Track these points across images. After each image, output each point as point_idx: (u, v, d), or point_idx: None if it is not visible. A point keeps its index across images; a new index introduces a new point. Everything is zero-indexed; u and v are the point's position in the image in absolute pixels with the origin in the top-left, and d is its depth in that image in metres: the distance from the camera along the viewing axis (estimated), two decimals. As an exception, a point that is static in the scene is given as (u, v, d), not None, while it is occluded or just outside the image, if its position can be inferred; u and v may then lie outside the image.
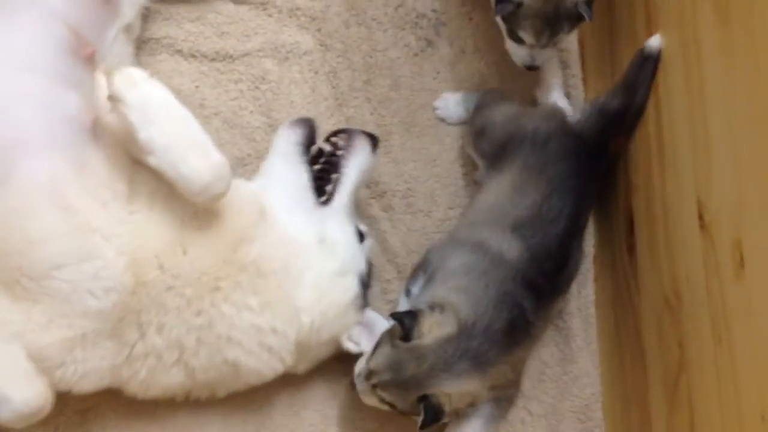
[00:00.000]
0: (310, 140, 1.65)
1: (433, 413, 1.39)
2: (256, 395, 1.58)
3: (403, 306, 1.55)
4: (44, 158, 1.34)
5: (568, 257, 1.54)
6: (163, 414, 1.59)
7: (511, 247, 1.50)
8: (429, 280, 1.54)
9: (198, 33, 1.80)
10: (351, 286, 1.55)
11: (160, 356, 1.43)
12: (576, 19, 1.55)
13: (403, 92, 1.81)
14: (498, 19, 1.59)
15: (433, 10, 1.84)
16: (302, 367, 1.57)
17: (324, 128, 1.78)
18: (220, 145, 1.44)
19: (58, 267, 1.32)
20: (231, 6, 1.82)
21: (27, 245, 1.32)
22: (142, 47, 1.76)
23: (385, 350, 1.44)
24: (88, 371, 1.41)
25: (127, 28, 1.64)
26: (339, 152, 1.63)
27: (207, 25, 1.81)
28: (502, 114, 1.65)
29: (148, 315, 1.40)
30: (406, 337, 1.41)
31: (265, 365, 1.49)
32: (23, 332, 1.34)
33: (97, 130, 1.42)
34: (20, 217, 1.32)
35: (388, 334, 1.45)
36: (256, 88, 1.79)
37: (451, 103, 1.79)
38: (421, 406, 1.40)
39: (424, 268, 1.57)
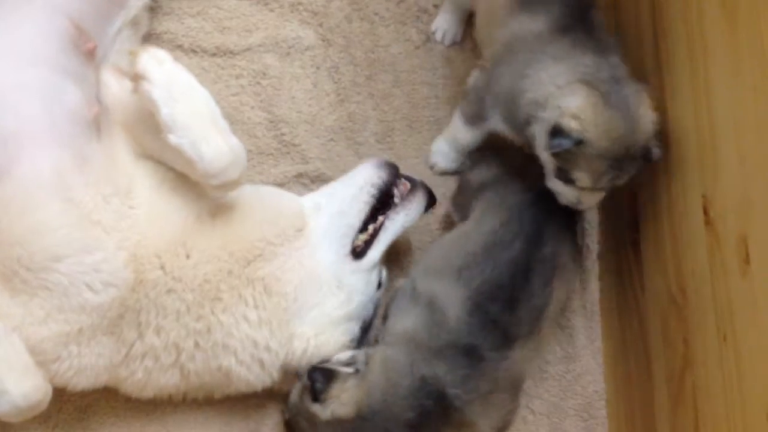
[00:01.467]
0: (387, 188, 1.58)
1: None
2: (258, 392, 1.57)
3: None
4: (46, 150, 1.34)
5: (526, 292, 1.42)
6: (163, 411, 1.58)
7: (455, 299, 1.41)
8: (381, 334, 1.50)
9: (199, 28, 1.79)
10: (352, 330, 1.53)
11: (158, 357, 1.43)
12: (639, 162, 1.37)
13: (404, 88, 1.81)
14: (545, 154, 1.39)
15: (435, 5, 1.83)
16: (286, 387, 1.55)
17: (326, 124, 1.78)
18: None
19: (58, 259, 1.32)
20: (232, 1, 1.81)
21: (27, 236, 1.31)
22: (143, 43, 1.75)
23: (294, 397, 1.45)
24: (84, 367, 1.40)
25: (134, 23, 1.63)
26: (395, 199, 1.58)
27: (208, 20, 1.80)
28: (479, 170, 1.60)
29: (147, 316, 1.40)
30: (315, 397, 1.40)
31: (255, 377, 1.48)
32: (21, 325, 1.33)
33: (98, 125, 1.41)
34: (21, 208, 1.31)
35: (301, 386, 1.44)
36: (258, 83, 1.79)
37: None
38: None
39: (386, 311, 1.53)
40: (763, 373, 1.14)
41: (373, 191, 1.56)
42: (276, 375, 1.49)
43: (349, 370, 1.43)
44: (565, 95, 1.36)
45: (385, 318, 1.54)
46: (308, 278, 1.48)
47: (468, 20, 1.78)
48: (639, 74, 1.56)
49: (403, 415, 1.37)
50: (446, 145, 1.69)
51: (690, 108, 1.36)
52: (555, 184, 1.41)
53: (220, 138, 1.37)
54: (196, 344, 1.43)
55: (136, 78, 1.35)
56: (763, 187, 1.14)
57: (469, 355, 1.39)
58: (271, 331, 1.45)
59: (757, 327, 1.16)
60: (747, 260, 1.17)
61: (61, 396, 1.43)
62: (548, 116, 1.36)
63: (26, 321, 1.34)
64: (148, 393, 1.48)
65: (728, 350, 1.23)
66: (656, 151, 1.37)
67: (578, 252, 1.54)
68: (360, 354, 1.46)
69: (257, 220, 1.47)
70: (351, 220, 1.54)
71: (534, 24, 1.43)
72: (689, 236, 1.36)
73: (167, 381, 1.46)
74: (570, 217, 1.51)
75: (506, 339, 1.41)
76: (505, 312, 1.41)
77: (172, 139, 1.34)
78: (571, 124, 1.33)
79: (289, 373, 1.50)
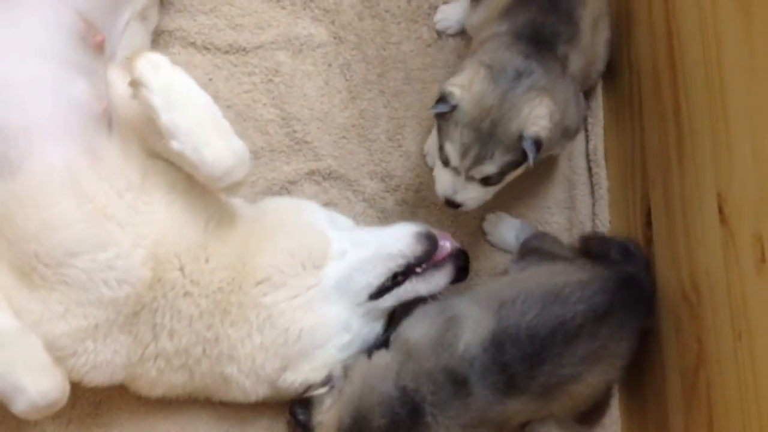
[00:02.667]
0: (418, 264, 1.50)
1: None
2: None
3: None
4: (57, 145, 1.34)
5: (557, 356, 1.37)
6: (176, 408, 1.59)
7: (478, 327, 1.39)
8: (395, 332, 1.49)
9: (211, 25, 1.80)
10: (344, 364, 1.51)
11: (169, 360, 1.44)
12: (511, 154, 1.38)
13: (415, 86, 1.81)
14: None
15: (445, 2, 1.83)
16: (270, 399, 1.54)
17: (338, 121, 1.77)
18: (235, 136, 1.44)
19: (74, 254, 1.32)
20: (245, -2, 1.82)
21: (42, 232, 1.31)
22: (156, 40, 1.76)
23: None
24: (100, 363, 1.41)
25: (143, 17, 1.63)
26: (418, 269, 1.50)
27: (220, 17, 1.80)
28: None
29: (162, 318, 1.41)
30: (305, 429, 1.43)
31: (251, 388, 1.49)
32: (40, 321, 1.34)
33: (108, 120, 1.41)
34: (35, 204, 1.32)
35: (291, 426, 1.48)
36: (270, 80, 1.79)
37: (503, 227, 1.70)
38: None
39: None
40: (779, 371, 1.14)
41: (402, 262, 1.49)
42: (268, 390, 1.49)
43: (323, 390, 1.44)
44: (465, 69, 1.43)
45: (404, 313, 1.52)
46: (315, 325, 1.45)
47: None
48: (652, 71, 1.56)
49: (376, 422, 1.37)
50: (436, 142, 1.70)
51: (704, 104, 1.35)
52: (437, 169, 1.46)
53: (222, 141, 1.37)
54: (204, 351, 1.44)
55: (134, 84, 1.34)
56: (778, 185, 1.13)
57: (458, 385, 1.36)
58: (266, 357, 1.45)
59: (773, 325, 1.15)
60: (763, 258, 1.16)
61: (75, 392, 1.43)
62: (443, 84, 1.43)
63: (45, 316, 1.34)
64: (158, 392, 1.50)
65: (743, 349, 1.22)
66: (530, 148, 1.35)
67: (631, 354, 1.47)
68: (336, 369, 1.46)
69: (278, 245, 1.46)
70: (370, 280, 1.48)
71: (500, 26, 1.50)
72: (703, 234, 1.35)
73: (176, 381, 1.47)
74: (642, 320, 1.47)
75: (510, 387, 1.36)
76: (524, 362, 1.36)
77: (174, 144, 1.34)
78: (453, 90, 1.39)
79: (277, 393, 1.50)
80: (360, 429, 1.38)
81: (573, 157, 1.79)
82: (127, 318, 1.39)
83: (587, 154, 1.79)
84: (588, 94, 1.76)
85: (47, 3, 1.41)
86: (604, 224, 1.74)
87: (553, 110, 1.41)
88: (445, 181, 1.45)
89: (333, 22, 1.82)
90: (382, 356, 1.44)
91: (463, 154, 1.40)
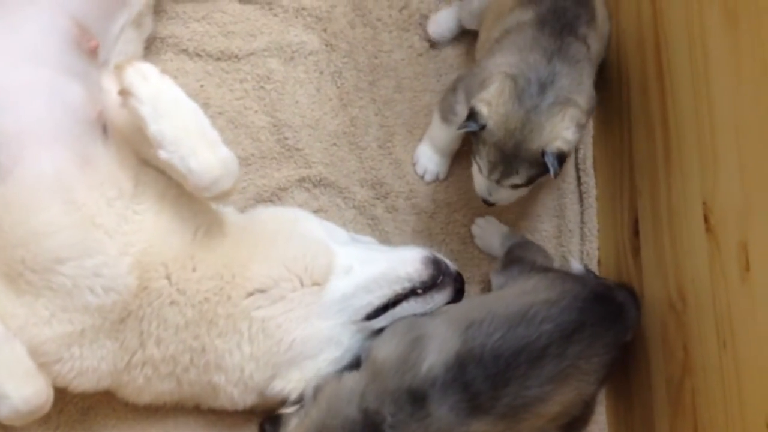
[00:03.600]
0: (425, 285, 1.50)
1: None
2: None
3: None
4: (49, 150, 1.34)
5: (522, 377, 1.34)
6: (164, 414, 1.58)
7: (442, 348, 1.37)
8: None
9: (203, 32, 1.80)
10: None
11: (156, 367, 1.44)
12: (537, 168, 1.42)
13: (406, 94, 1.81)
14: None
15: (437, 10, 1.84)
16: (256, 408, 1.54)
17: (329, 128, 1.78)
18: (224, 144, 1.43)
19: (60, 261, 1.32)
20: (237, 5, 1.82)
21: (30, 237, 1.31)
22: (148, 46, 1.76)
23: None
24: (85, 369, 1.41)
25: (137, 24, 1.63)
26: (420, 290, 1.49)
27: (212, 24, 1.81)
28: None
29: (149, 326, 1.40)
30: None
31: (239, 397, 1.48)
32: (26, 326, 1.34)
33: (103, 126, 1.41)
34: (24, 209, 1.31)
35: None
36: (261, 87, 1.79)
37: (491, 232, 1.72)
38: None
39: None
40: (763, 380, 1.14)
41: (408, 286, 1.49)
42: (255, 398, 1.49)
43: (292, 409, 1.43)
44: (490, 82, 1.43)
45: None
46: (310, 337, 1.45)
47: (467, 32, 1.79)
48: (641, 81, 1.58)
49: None
50: (428, 148, 1.73)
51: (691, 114, 1.36)
52: (474, 170, 1.51)
53: (210, 151, 1.37)
54: (191, 360, 1.44)
55: (123, 93, 1.35)
56: (763, 195, 1.14)
57: (417, 405, 1.34)
58: (257, 366, 1.45)
59: (757, 334, 1.16)
60: (747, 267, 1.17)
61: (62, 397, 1.43)
62: (472, 99, 1.44)
63: (30, 321, 1.34)
64: (145, 399, 1.49)
65: (728, 357, 1.23)
66: (552, 163, 1.37)
67: (607, 368, 1.44)
68: (309, 389, 1.44)
69: (272, 256, 1.45)
70: (373, 300, 1.48)
71: (524, 15, 1.49)
72: (689, 243, 1.36)
73: (164, 388, 1.47)
74: (617, 336, 1.45)
75: (474, 407, 1.34)
76: (486, 383, 1.34)
77: (162, 154, 1.34)
78: (482, 109, 1.40)
79: (264, 401, 1.50)
80: None
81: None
82: (113, 324, 1.39)
83: (576, 163, 1.80)
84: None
85: (42, 8, 1.41)
86: (593, 232, 1.75)
87: (578, 117, 1.42)
88: (480, 184, 1.52)
89: (325, 30, 1.83)
90: (350, 377, 1.41)
91: (491, 171, 1.45)
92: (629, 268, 1.60)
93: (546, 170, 1.40)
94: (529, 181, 1.46)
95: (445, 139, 1.67)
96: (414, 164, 1.76)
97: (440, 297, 1.51)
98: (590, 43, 1.51)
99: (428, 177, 1.75)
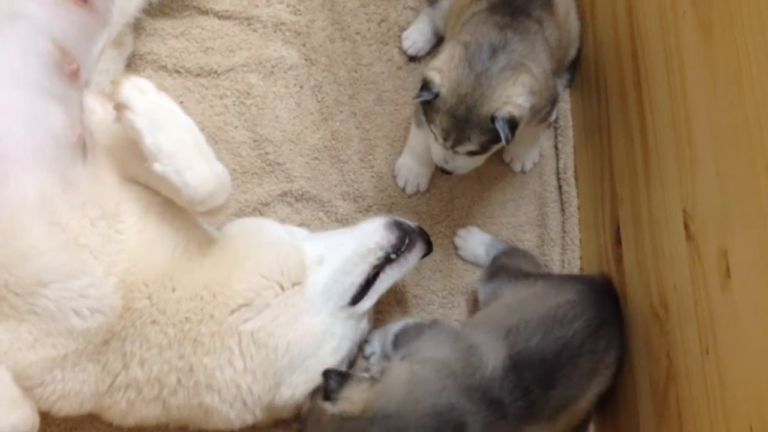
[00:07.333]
0: (394, 251, 1.55)
1: None
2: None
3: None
4: (30, 173, 1.32)
5: (566, 377, 1.39)
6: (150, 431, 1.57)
7: (495, 353, 1.39)
8: (406, 351, 1.48)
9: (182, 48, 1.80)
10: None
11: (140, 390, 1.42)
12: (489, 134, 1.42)
13: (386, 107, 1.82)
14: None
15: (408, 28, 1.84)
16: (267, 422, 1.53)
17: (310, 142, 1.78)
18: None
19: (44, 284, 1.31)
20: (215, 21, 1.82)
21: (14, 261, 1.30)
22: (127, 64, 1.75)
23: (309, 399, 1.45)
24: (68, 393, 1.39)
25: (118, 44, 1.63)
26: (393, 256, 1.54)
27: (191, 40, 1.81)
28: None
29: (132, 346, 1.39)
30: (326, 395, 1.38)
31: (236, 416, 1.47)
32: (9, 351, 1.32)
33: (83, 148, 1.41)
34: (7, 233, 1.30)
35: (316, 387, 1.44)
36: (241, 103, 1.79)
37: (474, 242, 1.73)
38: None
39: (406, 340, 1.52)
40: (746, 385, 1.15)
41: (381, 254, 1.53)
42: (260, 415, 1.48)
43: (365, 375, 1.43)
44: (441, 51, 1.46)
45: (395, 342, 1.53)
46: (303, 335, 1.45)
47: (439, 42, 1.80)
48: (619, 91, 1.59)
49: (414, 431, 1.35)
50: (408, 159, 1.73)
51: (669, 122, 1.37)
52: (430, 140, 1.52)
53: (205, 165, 1.37)
54: (179, 381, 1.42)
55: (119, 107, 1.34)
56: (741, 202, 1.15)
57: (495, 408, 1.36)
58: (255, 379, 1.44)
59: (739, 340, 1.16)
60: (728, 274, 1.18)
61: (45, 419, 1.41)
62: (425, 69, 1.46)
63: (14, 346, 1.32)
64: (130, 422, 1.47)
65: (710, 363, 1.23)
66: (502, 128, 1.38)
67: (620, 363, 1.48)
68: (376, 365, 1.46)
69: (248, 269, 1.45)
70: (354, 279, 1.51)
71: (478, 5, 1.52)
72: (671, 251, 1.37)
73: (149, 413, 1.45)
74: (624, 327, 1.49)
75: (529, 413, 1.36)
76: (541, 385, 1.37)
77: (157, 167, 1.34)
78: (434, 77, 1.42)
79: (275, 413, 1.49)
80: (393, 428, 1.34)
81: (544, 174, 1.81)
82: (96, 347, 1.37)
83: (557, 172, 1.81)
84: (557, 113, 1.79)
85: (22, 32, 1.40)
86: (575, 242, 1.76)
87: (531, 83, 1.43)
88: (436, 152, 1.52)
89: (304, 45, 1.83)
90: (423, 370, 1.40)
91: (445, 138, 1.45)
92: (612, 276, 1.61)
93: (499, 137, 1.41)
94: (483, 149, 1.47)
95: (422, 144, 1.67)
96: (395, 176, 1.77)
97: (413, 256, 1.56)
98: (545, 25, 1.52)
99: (409, 188, 1.76)
